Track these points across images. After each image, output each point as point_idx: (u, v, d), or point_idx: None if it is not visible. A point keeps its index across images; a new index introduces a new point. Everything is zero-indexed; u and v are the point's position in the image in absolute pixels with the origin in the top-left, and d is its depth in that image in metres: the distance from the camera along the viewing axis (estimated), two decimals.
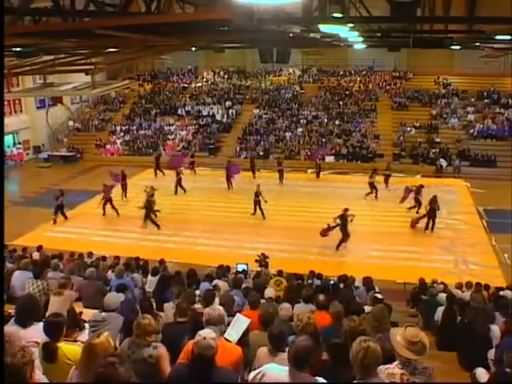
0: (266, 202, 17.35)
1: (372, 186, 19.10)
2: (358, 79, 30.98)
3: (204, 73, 33.93)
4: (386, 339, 3.76)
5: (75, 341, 4.48)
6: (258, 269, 11.55)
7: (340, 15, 8.52)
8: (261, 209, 17.17)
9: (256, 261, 12.07)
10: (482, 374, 4.63)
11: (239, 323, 4.54)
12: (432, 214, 15.64)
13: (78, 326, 5.42)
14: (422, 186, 17.14)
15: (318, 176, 23.05)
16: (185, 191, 20.53)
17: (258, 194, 17.17)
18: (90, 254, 11.96)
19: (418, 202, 16.82)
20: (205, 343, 3.22)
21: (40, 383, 3.08)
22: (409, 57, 29.60)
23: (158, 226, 16.46)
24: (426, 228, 15.80)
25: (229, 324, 4.45)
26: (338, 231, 14.35)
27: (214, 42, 15.02)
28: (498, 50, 17.29)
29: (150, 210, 16.46)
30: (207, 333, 3.32)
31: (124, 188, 19.78)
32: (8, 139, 26.61)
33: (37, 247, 12.32)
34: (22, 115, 27.79)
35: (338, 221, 14.16)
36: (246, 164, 23.68)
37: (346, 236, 14.28)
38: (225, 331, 4.22)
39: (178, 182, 20.54)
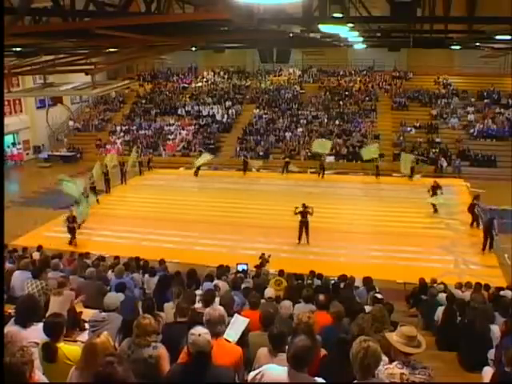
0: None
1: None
2: (358, 79, 30.97)
3: (204, 73, 33.92)
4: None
5: (75, 341, 4.48)
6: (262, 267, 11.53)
7: (340, 15, 8.53)
8: (307, 231, 14.91)
9: (257, 265, 11.99)
10: (489, 373, 4.61)
11: (238, 323, 4.54)
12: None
13: (78, 325, 5.43)
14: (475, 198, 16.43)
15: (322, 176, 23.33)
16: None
17: (304, 215, 14.75)
18: (87, 255, 11.92)
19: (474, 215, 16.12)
20: (201, 339, 3.23)
21: (40, 383, 3.08)
22: (409, 57, 29.61)
23: None
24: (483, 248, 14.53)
25: (229, 324, 4.45)
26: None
27: (213, 42, 15.04)
28: (498, 49, 17.33)
29: None
30: (200, 330, 3.33)
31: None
32: (8, 139, 26.61)
33: (37, 247, 12.30)
34: (22, 115, 27.78)
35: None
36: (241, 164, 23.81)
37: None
38: (224, 331, 4.22)
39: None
